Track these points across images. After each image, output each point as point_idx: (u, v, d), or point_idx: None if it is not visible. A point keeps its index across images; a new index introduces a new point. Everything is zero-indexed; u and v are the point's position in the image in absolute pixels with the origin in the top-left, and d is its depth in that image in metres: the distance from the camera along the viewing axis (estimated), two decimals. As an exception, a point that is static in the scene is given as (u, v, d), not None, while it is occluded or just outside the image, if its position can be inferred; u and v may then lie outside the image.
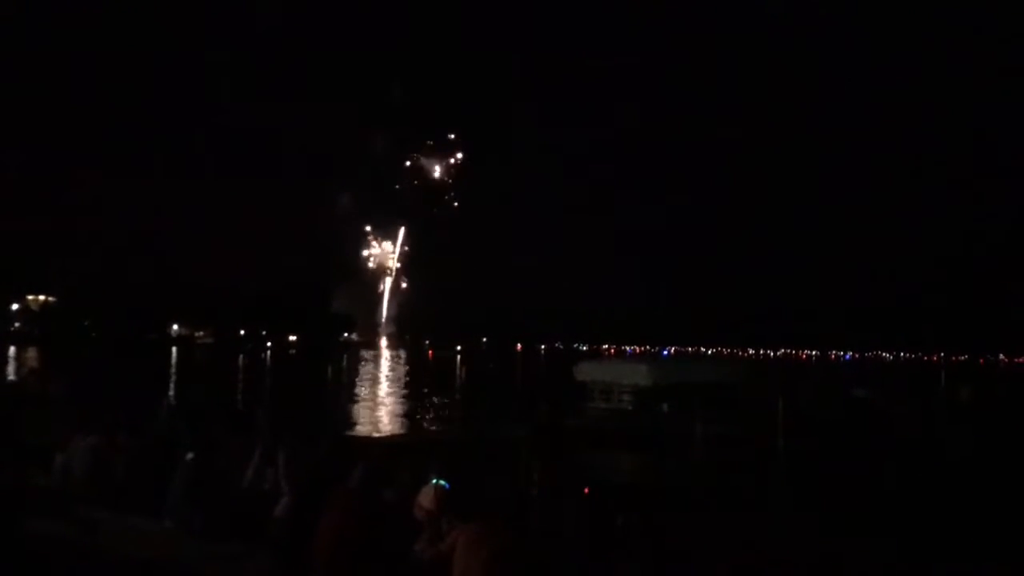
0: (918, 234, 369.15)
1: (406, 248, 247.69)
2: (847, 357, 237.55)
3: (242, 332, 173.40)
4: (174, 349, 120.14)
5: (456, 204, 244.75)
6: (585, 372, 29.60)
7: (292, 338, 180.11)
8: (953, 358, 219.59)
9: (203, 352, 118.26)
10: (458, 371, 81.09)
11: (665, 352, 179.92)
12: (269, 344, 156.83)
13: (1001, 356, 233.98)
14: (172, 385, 49.58)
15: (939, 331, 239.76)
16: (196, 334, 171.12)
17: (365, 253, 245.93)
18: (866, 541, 12.23)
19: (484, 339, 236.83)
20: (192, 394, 41.02)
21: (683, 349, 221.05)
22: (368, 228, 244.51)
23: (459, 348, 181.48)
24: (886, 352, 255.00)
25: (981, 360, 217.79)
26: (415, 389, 54.08)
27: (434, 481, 6.03)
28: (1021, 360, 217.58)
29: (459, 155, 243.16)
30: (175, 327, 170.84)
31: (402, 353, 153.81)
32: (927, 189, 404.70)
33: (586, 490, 7.22)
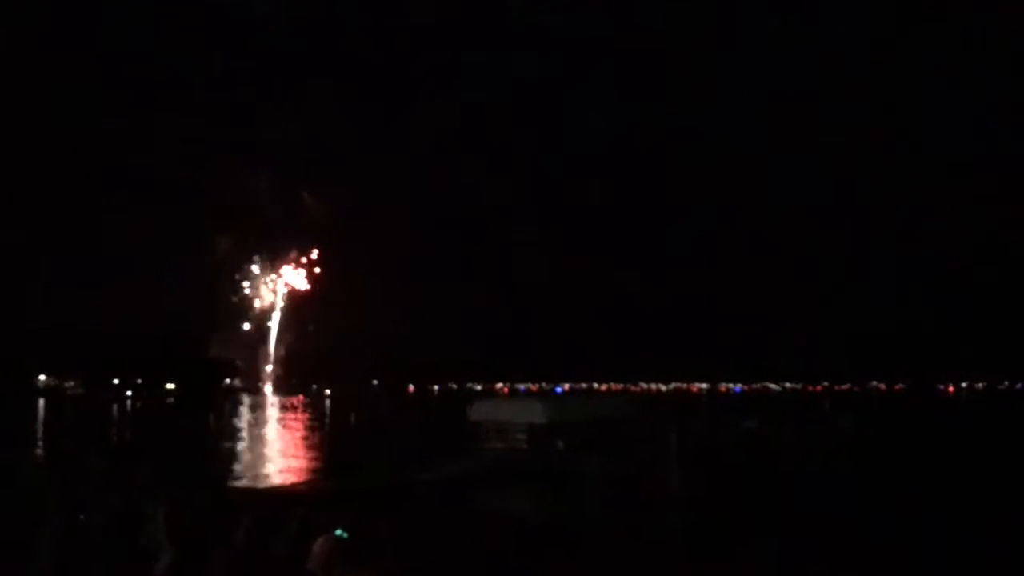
0: (800, 269, 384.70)
1: (290, 289, 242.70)
2: (737, 390, 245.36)
3: (116, 381, 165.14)
4: (41, 401, 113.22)
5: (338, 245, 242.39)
6: (479, 412, 29.36)
7: (170, 386, 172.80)
8: (835, 387, 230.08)
9: (74, 403, 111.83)
10: (327, 412, 79.77)
11: (559, 389, 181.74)
12: (129, 393, 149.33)
13: (877, 383, 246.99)
14: (39, 439, 46.51)
15: (822, 362, 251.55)
16: (65, 384, 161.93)
17: (247, 295, 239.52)
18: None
19: (375, 381, 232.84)
20: (60, 448, 38.61)
21: (577, 386, 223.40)
22: (251, 269, 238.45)
23: (327, 391, 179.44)
24: (773, 383, 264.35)
25: (858, 388, 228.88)
26: (305, 435, 52.51)
27: (331, 532, 5.69)
28: (897, 388, 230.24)
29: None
30: (42, 377, 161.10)
31: (286, 398, 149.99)
32: (799, 222, 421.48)
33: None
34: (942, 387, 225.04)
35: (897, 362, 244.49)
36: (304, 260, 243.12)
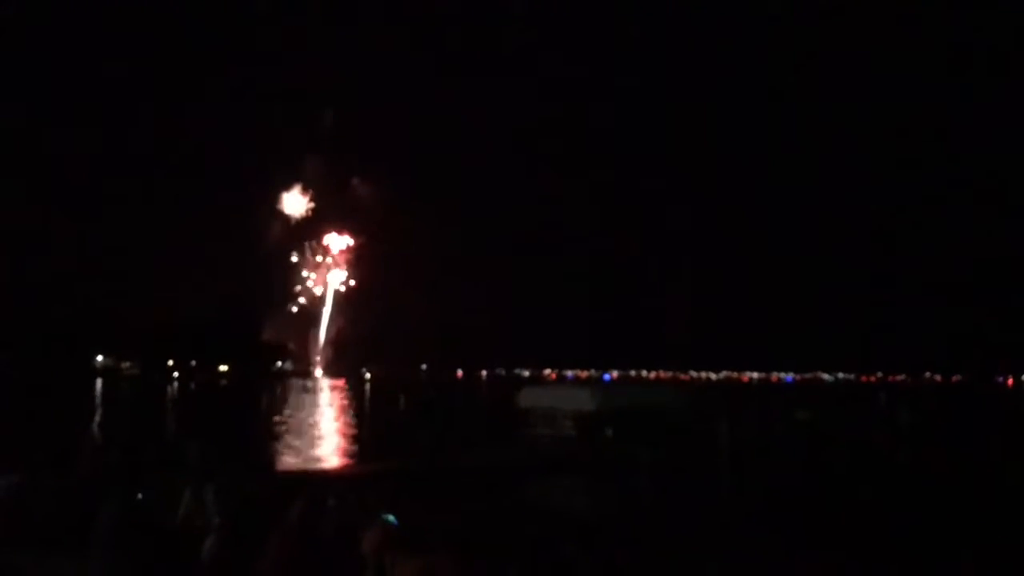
0: (855, 256, 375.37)
1: (343, 273, 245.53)
2: (789, 379, 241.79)
3: (170, 362, 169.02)
4: (99, 381, 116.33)
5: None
6: (528, 398, 29.37)
7: (223, 368, 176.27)
8: (890, 378, 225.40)
9: (130, 383, 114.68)
10: (367, 398, 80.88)
11: (607, 376, 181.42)
12: (176, 374, 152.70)
13: (931, 375, 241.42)
14: (97, 419, 47.74)
15: (876, 350, 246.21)
16: (122, 365, 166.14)
17: (300, 279, 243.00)
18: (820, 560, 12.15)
19: (424, 366, 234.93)
20: (118, 428, 39.55)
21: (625, 373, 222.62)
22: (304, 253, 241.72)
23: (368, 375, 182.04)
24: (826, 373, 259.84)
25: (913, 379, 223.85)
26: (354, 418, 53.14)
27: (380, 517, 5.65)
28: (954, 379, 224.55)
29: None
30: (99, 358, 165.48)
31: (336, 381, 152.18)
32: (857, 209, 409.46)
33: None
34: (1001, 379, 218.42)
35: (955, 353, 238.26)
36: (356, 245, 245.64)
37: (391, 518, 5.60)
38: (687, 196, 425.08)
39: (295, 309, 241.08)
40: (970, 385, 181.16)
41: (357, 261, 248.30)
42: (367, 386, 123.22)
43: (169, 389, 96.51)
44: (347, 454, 31.50)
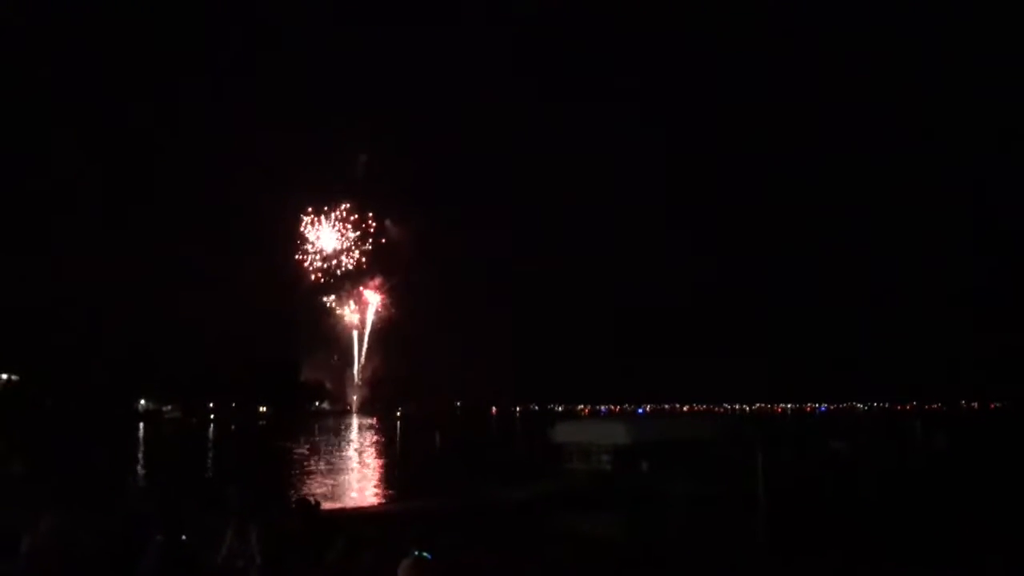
0: (889, 283, 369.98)
1: (377, 312, 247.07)
2: (822, 409, 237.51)
3: (211, 405, 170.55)
4: (141, 425, 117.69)
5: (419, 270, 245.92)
6: (562, 433, 29.33)
7: (262, 409, 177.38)
8: (926, 407, 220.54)
9: (171, 427, 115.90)
10: (408, 433, 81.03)
11: (641, 410, 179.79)
12: (212, 416, 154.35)
13: (966, 402, 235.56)
14: (140, 462, 48.42)
15: (912, 380, 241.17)
16: (163, 408, 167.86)
17: (335, 321, 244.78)
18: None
19: (458, 403, 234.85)
20: (161, 471, 40.10)
21: (659, 407, 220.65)
22: (338, 295, 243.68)
23: (399, 412, 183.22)
24: (860, 403, 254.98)
25: (943, 407, 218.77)
26: (390, 457, 53.30)
27: (415, 553, 5.84)
28: (993, 406, 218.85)
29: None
30: (142, 402, 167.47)
31: (372, 419, 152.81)
32: (888, 238, 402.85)
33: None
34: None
35: (992, 380, 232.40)
36: (390, 285, 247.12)
37: (426, 554, 5.79)
38: (720, 227, 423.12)
39: (333, 352, 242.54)
40: (1008, 413, 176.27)
41: (392, 300, 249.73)
42: (399, 424, 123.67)
43: (209, 431, 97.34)
44: (383, 492, 31.64)
